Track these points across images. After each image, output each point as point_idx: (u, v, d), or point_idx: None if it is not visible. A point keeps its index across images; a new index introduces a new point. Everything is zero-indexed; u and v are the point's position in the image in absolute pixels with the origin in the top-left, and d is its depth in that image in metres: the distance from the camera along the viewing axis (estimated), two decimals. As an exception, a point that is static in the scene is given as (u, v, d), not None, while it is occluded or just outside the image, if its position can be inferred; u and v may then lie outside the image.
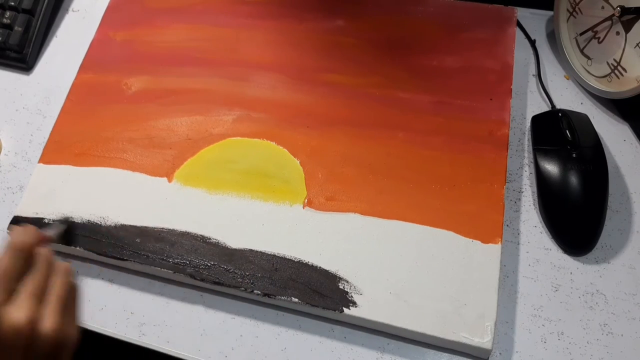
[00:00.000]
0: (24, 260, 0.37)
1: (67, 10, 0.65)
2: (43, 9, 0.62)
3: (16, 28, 0.61)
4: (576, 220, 0.48)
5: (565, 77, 0.57)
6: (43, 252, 0.38)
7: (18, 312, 0.34)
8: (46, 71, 0.62)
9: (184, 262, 0.48)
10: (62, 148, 0.54)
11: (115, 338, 0.48)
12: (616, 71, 0.52)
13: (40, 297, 0.36)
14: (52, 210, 0.51)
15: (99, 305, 0.49)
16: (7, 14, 0.61)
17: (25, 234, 0.38)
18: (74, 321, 0.38)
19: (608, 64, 0.53)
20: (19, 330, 0.34)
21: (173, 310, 0.48)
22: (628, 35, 0.51)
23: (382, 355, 0.45)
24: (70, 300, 0.38)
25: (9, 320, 0.34)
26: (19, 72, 0.62)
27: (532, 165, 0.52)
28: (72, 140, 0.54)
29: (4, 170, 0.56)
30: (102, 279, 0.50)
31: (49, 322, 0.35)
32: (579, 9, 0.55)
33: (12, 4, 0.61)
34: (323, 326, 0.47)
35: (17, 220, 0.51)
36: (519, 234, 0.50)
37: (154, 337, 0.47)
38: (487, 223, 0.47)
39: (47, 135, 0.55)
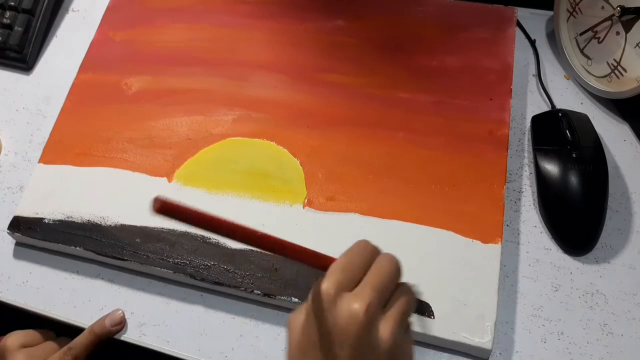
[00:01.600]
0: (366, 256, 0.35)
1: (67, 10, 0.65)
2: (43, 9, 0.62)
3: (16, 28, 0.61)
4: (576, 220, 0.48)
5: (565, 77, 0.57)
6: (386, 255, 0.36)
7: (357, 301, 0.32)
8: (46, 71, 0.62)
9: (184, 262, 0.48)
10: (62, 148, 0.54)
11: (115, 338, 0.48)
12: (616, 71, 0.52)
13: (382, 294, 0.33)
14: (52, 210, 0.51)
15: (99, 305, 0.49)
16: (7, 14, 0.61)
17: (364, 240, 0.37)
18: (411, 343, 0.35)
19: (608, 64, 0.53)
20: (354, 320, 0.32)
21: (173, 310, 0.48)
22: (628, 35, 0.51)
23: (382, 355, 0.45)
24: (409, 319, 0.35)
25: (346, 306, 0.32)
26: (19, 72, 0.62)
27: (532, 165, 0.52)
28: (72, 140, 0.54)
29: (4, 170, 0.56)
30: (102, 279, 0.50)
31: (386, 327, 0.33)
32: (579, 9, 0.55)
33: (12, 4, 0.61)
34: (323, 326, 0.47)
35: (17, 221, 0.51)
36: (519, 233, 0.50)
37: (154, 337, 0.47)
38: (487, 223, 0.47)
39: (47, 135, 0.55)
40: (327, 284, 0.33)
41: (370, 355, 0.32)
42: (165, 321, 0.48)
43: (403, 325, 0.34)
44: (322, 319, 0.33)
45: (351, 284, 0.33)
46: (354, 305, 0.32)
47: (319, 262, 0.35)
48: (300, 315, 0.35)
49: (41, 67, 0.62)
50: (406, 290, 0.35)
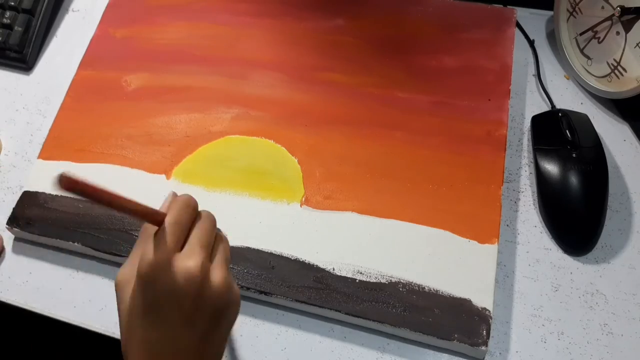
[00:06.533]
0: (191, 214, 0.38)
1: (67, 10, 0.65)
2: (43, 9, 0.62)
3: (16, 28, 0.61)
4: (576, 220, 0.48)
5: (565, 77, 0.57)
6: (204, 212, 0.39)
7: (190, 260, 0.35)
8: (46, 71, 0.62)
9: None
10: (61, 144, 0.54)
11: (115, 338, 0.47)
12: (616, 71, 0.52)
13: (208, 249, 0.37)
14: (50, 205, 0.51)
15: (99, 305, 0.49)
16: (7, 14, 0.61)
17: (187, 196, 0.39)
18: (234, 281, 0.38)
19: (608, 64, 0.53)
20: (192, 277, 0.34)
21: (171, 309, 0.48)
22: (628, 35, 0.50)
23: (382, 355, 0.45)
24: (230, 261, 0.39)
25: (182, 267, 0.35)
26: (19, 72, 0.62)
27: (532, 165, 0.52)
28: (71, 136, 0.54)
29: (4, 170, 0.56)
30: (102, 277, 0.50)
31: (218, 274, 0.36)
32: (579, 9, 0.55)
33: (12, 4, 0.62)
34: (323, 326, 0.47)
35: (15, 216, 0.51)
36: (518, 233, 0.49)
37: (151, 336, 0.47)
38: (484, 223, 0.47)
39: (47, 135, 0.55)
40: (159, 250, 0.35)
41: (209, 300, 0.36)
42: (162, 320, 0.48)
43: (228, 268, 0.38)
44: (159, 282, 0.34)
45: (180, 243, 0.36)
46: (188, 264, 0.35)
47: (148, 217, 0.36)
48: (129, 280, 0.36)
49: (41, 67, 0.62)
50: (222, 239, 0.39)
